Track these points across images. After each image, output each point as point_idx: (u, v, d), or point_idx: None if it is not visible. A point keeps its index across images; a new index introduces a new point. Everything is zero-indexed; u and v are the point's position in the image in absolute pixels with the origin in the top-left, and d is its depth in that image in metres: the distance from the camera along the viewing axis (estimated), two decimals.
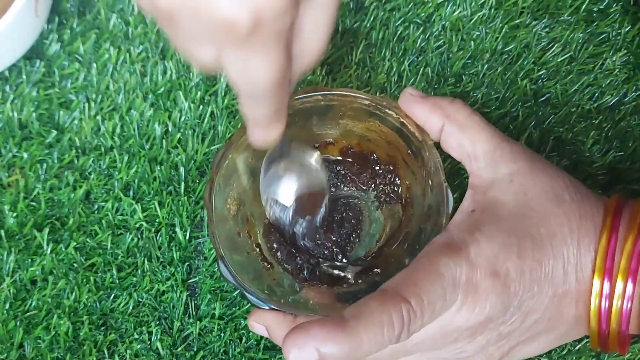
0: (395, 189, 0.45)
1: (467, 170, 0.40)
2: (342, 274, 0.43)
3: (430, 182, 0.41)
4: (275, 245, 0.43)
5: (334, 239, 0.45)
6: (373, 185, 0.46)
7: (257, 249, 0.43)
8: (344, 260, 0.44)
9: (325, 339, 0.31)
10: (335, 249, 0.44)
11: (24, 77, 0.51)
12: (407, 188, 0.44)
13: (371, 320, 0.32)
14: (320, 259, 0.44)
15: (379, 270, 0.43)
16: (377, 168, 0.45)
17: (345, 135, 0.45)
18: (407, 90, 0.41)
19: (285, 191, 0.43)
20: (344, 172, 0.46)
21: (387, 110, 0.42)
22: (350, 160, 0.46)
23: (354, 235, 0.45)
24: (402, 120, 0.41)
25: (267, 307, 0.39)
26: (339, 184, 0.46)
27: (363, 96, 0.42)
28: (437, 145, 0.41)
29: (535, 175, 0.38)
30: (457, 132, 0.39)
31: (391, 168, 0.45)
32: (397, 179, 0.45)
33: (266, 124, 0.35)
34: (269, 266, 0.42)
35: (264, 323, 0.39)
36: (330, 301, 0.42)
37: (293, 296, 0.41)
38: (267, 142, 0.35)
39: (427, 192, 0.41)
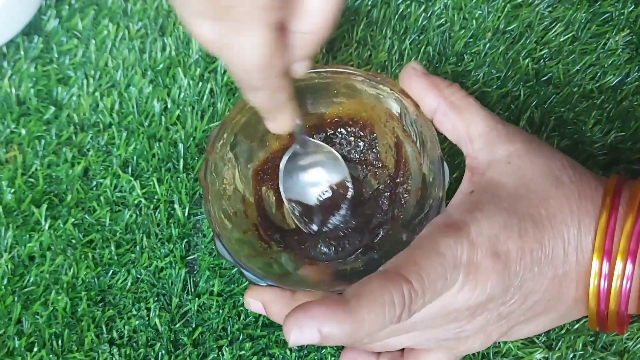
0: (392, 166, 0.44)
1: (463, 153, 0.39)
2: (341, 252, 0.43)
3: (427, 157, 0.40)
4: (271, 230, 0.43)
5: (337, 221, 0.44)
6: (370, 163, 0.45)
7: (254, 229, 0.42)
8: (346, 242, 0.44)
9: (326, 318, 0.31)
10: (338, 229, 0.44)
11: (22, 53, 0.51)
12: (404, 163, 0.43)
13: (373, 300, 0.31)
14: (321, 240, 0.44)
15: (377, 248, 0.42)
16: (373, 145, 0.45)
17: (340, 113, 0.45)
18: (410, 64, 0.41)
19: (308, 191, 0.44)
20: (341, 151, 0.45)
21: (381, 86, 0.42)
22: (346, 137, 0.46)
23: (354, 215, 0.44)
24: (397, 95, 0.41)
25: (265, 284, 0.39)
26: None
27: (357, 72, 0.42)
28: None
29: (532, 157, 0.38)
30: (451, 114, 0.39)
31: (388, 144, 0.44)
32: (394, 155, 0.44)
33: (271, 114, 0.36)
34: (266, 245, 0.42)
35: (261, 299, 0.39)
36: (328, 279, 0.41)
37: (291, 273, 0.41)
38: (281, 131, 0.37)
39: (423, 166, 0.41)
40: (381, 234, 0.43)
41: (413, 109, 0.40)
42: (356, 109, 0.44)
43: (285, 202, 0.44)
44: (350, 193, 0.44)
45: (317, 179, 0.45)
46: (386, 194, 0.45)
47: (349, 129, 0.45)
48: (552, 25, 0.51)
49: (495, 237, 0.35)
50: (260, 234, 0.42)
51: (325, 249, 0.43)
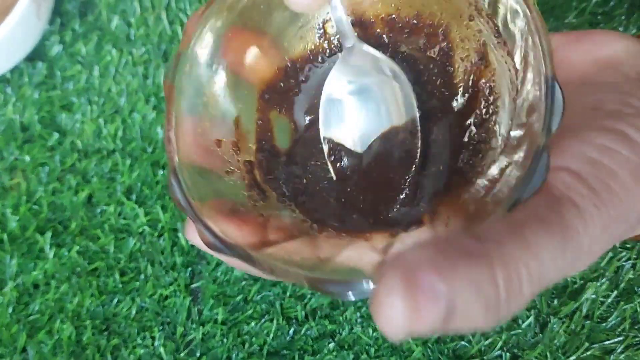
0: (473, 93, 0.29)
1: None
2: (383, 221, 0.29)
3: (530, 78, 0.25)
4: (275, 175, 0.30)
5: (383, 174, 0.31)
6: (440, 88, 0.31)
7: (244, 169, 0.29)
8: (395, 206, 0.30)
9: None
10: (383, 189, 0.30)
11: (25, 78, 0.51)
12: (490, 89, 0.28)
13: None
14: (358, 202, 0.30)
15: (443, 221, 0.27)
16: (446, 60, 0.31)
17: (395, 7, 0.31)
18: None
19: (354, 131, 0.31)
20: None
21: None
22: (403, 49, 0.32)
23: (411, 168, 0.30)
24: None
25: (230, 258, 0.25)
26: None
27: None
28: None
29: None
30: None
31: (469, 58, 0.29)
32: (476, 76, 0.29)
33: None
34: (258, 197, 0.29)
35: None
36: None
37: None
38: (306, 6, 0.26)
39: (522, 94, 0.26)
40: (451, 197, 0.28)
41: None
42: (422, 1, 0.30)
43: (323, 143, 0.31)
44: (418, 143, 0.30)
45: (371, 114, 0.31)
46: (462, 137, 0.30)
47: (408, 36, 0.31)
48: None
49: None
50: (255, 178, 0.29)
51: (360, 217, 0.29)
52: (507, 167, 0.25)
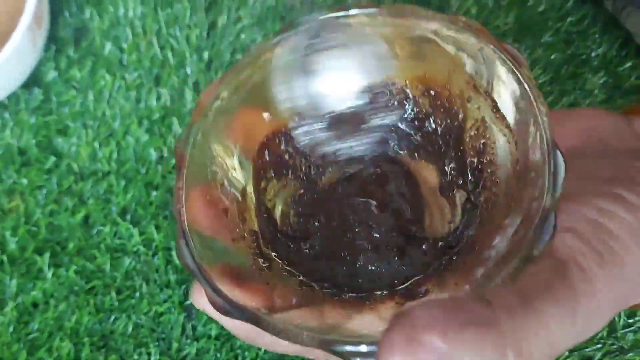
0: (473, 152, 0.29)
1: None
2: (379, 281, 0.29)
3: (529, 147, 0.26)
4: (278, 242, 0.30)
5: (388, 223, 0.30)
6: (437, 150, 0.31)
7: (250, 239, 0.30)
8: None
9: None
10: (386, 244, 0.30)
11: (22, 104, 0.53)
12: (488, 148, 0.29)
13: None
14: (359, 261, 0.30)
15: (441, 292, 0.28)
16: (446, 137, 0.31)
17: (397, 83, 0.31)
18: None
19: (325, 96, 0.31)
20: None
21: (463, 37, 0.27)
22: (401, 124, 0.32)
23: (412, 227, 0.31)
24: (487, 51, 0.27)
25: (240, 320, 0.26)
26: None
27: (427, 15, 0.28)
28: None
29: None
30: None
31: (470, 132, 0.29)
32: (476, 149, 0.29)
33: None
34: (264, 265, 0.29)
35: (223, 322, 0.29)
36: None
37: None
38: None
39: (520, 163, 0.26)
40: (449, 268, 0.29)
41: (514, 72, 0.26)
42: (422, 79, 0.30)
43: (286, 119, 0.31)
44: (409, 111, 0.30)
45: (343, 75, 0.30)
46: (462, 200, 0.30)
47: (407, 110, 0.31)
48: (532, 67, 0.53)
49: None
50: (260, 247, 0.30)
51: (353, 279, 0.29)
52: (513, 233, 0.25)
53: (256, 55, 0.28)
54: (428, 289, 0.27)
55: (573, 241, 0.26)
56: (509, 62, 0.26)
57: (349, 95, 0.31)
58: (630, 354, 0.45)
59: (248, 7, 0.55)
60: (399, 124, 0.31)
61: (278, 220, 0.31)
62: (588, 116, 0.34)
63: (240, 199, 0.29)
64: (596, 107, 0.50)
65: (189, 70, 0.53)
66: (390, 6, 0.28)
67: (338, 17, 0.28)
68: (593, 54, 0.53)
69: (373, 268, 0.30)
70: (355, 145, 0.32)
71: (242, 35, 0.54)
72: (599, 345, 0.45)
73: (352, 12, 0.28)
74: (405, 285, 0.29)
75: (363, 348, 0.23)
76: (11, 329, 0.47)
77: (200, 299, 0.29)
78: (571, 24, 0.53)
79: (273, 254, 0.30)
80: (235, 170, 0.29)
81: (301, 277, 0.29)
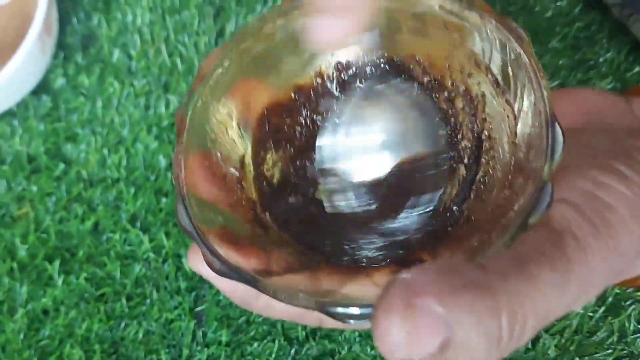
0: (471, 126, 0.30)
1: None
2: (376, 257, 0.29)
3: (528, 119, 0.26)
4: (276, 209, 0.31)
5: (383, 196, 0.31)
6: (440, 120, 0.31)
7: (247, 205, 0.30)
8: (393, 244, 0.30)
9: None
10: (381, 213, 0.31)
11: (31, 111, 0.53)
12: (488, 136, 0.29)
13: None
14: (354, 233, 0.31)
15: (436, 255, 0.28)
16: (446, 110, 0.31)
17: (402, 60, 0.32)
18: None
19: (356, 160, 0.32)
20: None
21: (468, 14, 0.28)
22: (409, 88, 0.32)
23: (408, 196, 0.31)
24: (491, 27, 0.27)
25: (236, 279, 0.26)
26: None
27: None
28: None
29: None
30: None
31: (467, 109, 0.30)
32: (474, 124, 0.30)
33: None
34: (261, 232, 0.29)
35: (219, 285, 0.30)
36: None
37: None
38: (330, 35, 0.27)
39: (519, 136, 0.27)
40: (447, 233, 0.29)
41: (515, 47, 0.26)
42: (427, 55, 0.30)
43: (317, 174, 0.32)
44: (440, 190, 0.30)
45: (378, 142, 0.31)
46: (460, 169, 0.30)
47: (412, 77, 0.31)
48: None
49: None
50: (257, 214, 0.30)
51: (357, 251, 0.30)
52: (510, 203, 0.26)
53: (259, 26, 0.29)
54: (423, 259, 0.27)
55: (569, 212, 0.26)
56: (511, 37, 0.26)
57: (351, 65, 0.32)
58: None
59: (256, 13, 0.55)
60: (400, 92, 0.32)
61: (276, 188, 0.31)
62: (588, 95, 0.34)
63: (238, 166, 0.30)
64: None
65: None
66: None
67: None
68: (601, 60, 0.53)
69: (370, 237, 0.30)
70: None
71: None
72: (609, 351, 0.45)
73: None
74: (401, 254, 0.29)
75: (355, 310, 0.24)
76: (22, 336, 0.47)
77: (196, 262, 0.29)
78: (578, 29, 0.53)
79: (270, 220, 0.30)
80: (234, 138, 0.30)
81: (297, 245, 0.29)
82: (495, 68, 0.28)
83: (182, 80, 0.53)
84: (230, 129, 0.30)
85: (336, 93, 0.31)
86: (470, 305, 0.21)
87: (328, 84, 0.32)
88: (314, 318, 0.30)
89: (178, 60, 0.53)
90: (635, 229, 0.27)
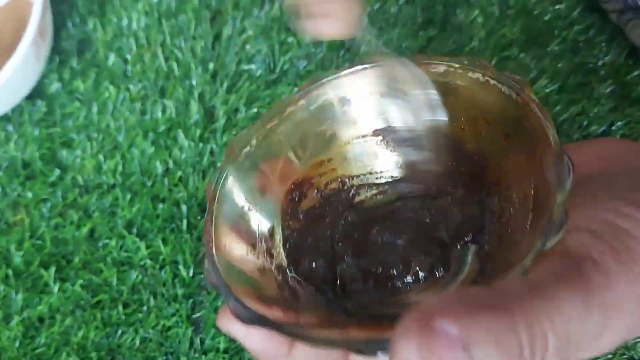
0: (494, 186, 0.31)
1: None
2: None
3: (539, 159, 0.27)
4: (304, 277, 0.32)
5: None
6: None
7: (277, 272, 0.31)
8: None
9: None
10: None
11: (26, 116, 0.52)
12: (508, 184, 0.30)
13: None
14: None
15: None
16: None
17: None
18: None
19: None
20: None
21: (468, 73, 0.30)
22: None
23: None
24: (494, 76, 0.29)
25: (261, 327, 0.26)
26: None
27: (437, 61, 0.30)
28: None
29: None
30: None
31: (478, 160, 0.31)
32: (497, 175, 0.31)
33: (328, 5, 0.25)
34: (290, 296, 0.30)
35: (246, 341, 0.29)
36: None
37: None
38: (336, 32, 0.26)
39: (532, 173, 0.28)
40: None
41: (519, 93, 0.28)
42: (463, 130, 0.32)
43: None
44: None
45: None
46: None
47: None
48: (539, 77, 0.52)
49: None
50: (287, 279, 0.31)
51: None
52: (528, 238, 0.26)
53: (282, 107, 0.31)
54: None
55: (588, 238, 0.26)
56: (511, 88, 0.28)
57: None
58: None
59: (252, 18, 0.54)
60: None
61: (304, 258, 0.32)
62: (603, 144, 0.34)
63: (268, 237, 0.31)
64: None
65: (194, 82, 0.52)
66: (398, 57, 0.31)
67: (348, 74, 0.32)
68: (600, 63, 0.52)
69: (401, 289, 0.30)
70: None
71: (247, 46, 0.54)
72: (610, 356, 0.45)
73: (364, 65, 0.31)
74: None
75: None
76: (17, 343, 0.46)
77: (226, 321, 0.29)
78: (577, 32, 0.53)
79: (300, 287, 0.31)
80: (263, 210, 0.31)
81: (328, 308, 0.30)
82: (503, 120, 0.29)
83: (178, 85, 0.52)
84: (260, 202, 0.31)
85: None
86: (486, 324, 0.21)
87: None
88: (340, 356, 0.30)
89: (174, 65, 0.53)
90: None
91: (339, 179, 0.34)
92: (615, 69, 0.52)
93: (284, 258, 0.32)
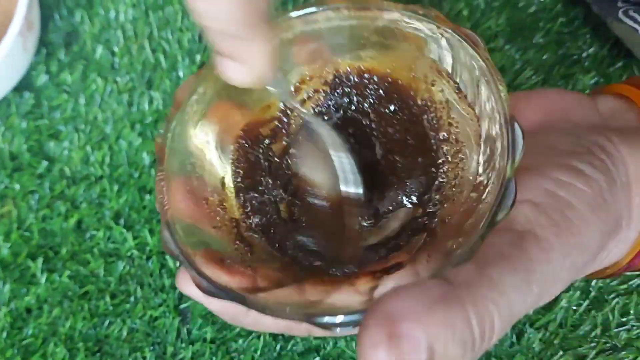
0: (440, 142, 0.32)
1: None
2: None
3: (489, 122, 0.28)
4: (264, 226, 0.33)
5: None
6: (406, 145, 0.33)
7: (230, 225, 0.32)
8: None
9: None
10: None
11: (13, 108, 0.52)
12: (454, 127, 0.31)
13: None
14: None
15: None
16: (413, 119, 0.33)
17: (368, 75, 0.33)
18: None
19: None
20: (368, 133, 0.34)
21: (425, 26, 0.30)
22: (375, 112, 0.34)
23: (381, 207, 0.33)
24: (448, 36, 0.29)
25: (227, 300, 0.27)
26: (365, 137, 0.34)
27: (391, 6, 0.30)
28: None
29: None
30: None
31: (434, 115, 0.32)
32: (441, 130, 0.32)
33: (235, 44, 0.24)
34: (245, 249, 0.31)
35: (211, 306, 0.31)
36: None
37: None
38: (241, 80, 0.25)
39: (482, 137, 0.29)
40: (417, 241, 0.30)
41: (472, 52, 0.28)
42: (392, 67, 0.32)
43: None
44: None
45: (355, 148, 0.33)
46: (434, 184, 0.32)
47: (379, 101, 0.33)
48: (524, 68, 0.53)
49: None
50: (241, 232, 0.32)
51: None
52: (478, 203, 0.27)
53: None
54: (402, 264, 0.29)
55: (531, 212, 0.28)
56: (468, 44, 0.28)
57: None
58: (624, 352, 0.45)
59: None
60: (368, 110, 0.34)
61: (256, 206, 0.33)
62: (552, 96, 0.35)
63: (219, 188, 0.32)
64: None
65: (181, 74, 0.53)
66: (354, 1, 0.31)
67: (307, 14, 0.31)
68: (584, 55, 0.53)
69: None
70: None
71: None
72: (593, 344, 0.45)
73: (321, 8, 0.31)
74: (381, 258, 0.30)
75: (340, 318, 0.25)
76: (5, 334, 0.47)
77: (185, 285, 0.30)
78: (562, 24, 0.54)
79: (255, 235, 0.31)
80: (212, 161, 0.31)
81: (282, 258, 0.31)
82: (456, 74, 0.30)
83: (165, 77, 0.53)
84: (209, 152, 0.31)
85: (304, 110, 0.33)
86: (443, 319, 0.23)
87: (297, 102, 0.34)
88: (302, 329, 0.31)
89: (161, 57, 0.53)
90: (596, 225, 0.29)
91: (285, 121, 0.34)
92: (599, 61, 0.52)
93: (237, 209, 0.32)
